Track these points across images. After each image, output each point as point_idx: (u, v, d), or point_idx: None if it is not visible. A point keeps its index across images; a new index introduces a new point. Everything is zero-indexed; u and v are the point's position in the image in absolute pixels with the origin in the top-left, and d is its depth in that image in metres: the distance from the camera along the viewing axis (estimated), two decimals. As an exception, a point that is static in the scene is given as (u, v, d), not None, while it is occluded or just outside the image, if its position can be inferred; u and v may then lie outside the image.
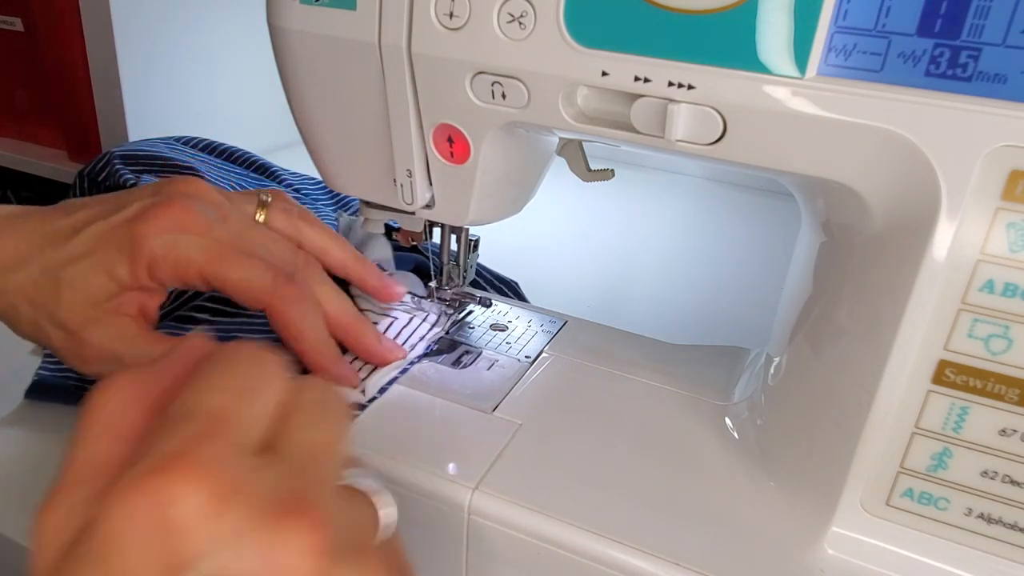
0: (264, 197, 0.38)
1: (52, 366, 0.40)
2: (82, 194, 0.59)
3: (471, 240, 0.42)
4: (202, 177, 0.56)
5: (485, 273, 0.50)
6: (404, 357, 0.38)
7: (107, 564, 0.17)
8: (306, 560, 0.18)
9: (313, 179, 0.62)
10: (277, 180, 0.62)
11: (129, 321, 0.32)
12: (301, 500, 0.19)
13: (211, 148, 0.62)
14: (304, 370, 0.35)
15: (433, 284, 0.43)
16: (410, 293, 0.43)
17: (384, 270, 0.43)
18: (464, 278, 0.42)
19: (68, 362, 0.33)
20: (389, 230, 0.45)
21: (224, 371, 0.21)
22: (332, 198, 0.62)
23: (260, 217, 0.37)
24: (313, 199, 0.61)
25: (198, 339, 0.23)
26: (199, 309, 0.41)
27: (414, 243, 0.46)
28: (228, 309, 0.41)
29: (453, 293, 0.43)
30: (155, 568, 0.17)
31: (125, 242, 0.31)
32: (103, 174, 0.56)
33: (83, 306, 0.31)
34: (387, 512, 0.22)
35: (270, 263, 0.33)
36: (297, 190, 0.62)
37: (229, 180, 0.58)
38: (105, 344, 0.31)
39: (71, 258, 0.32)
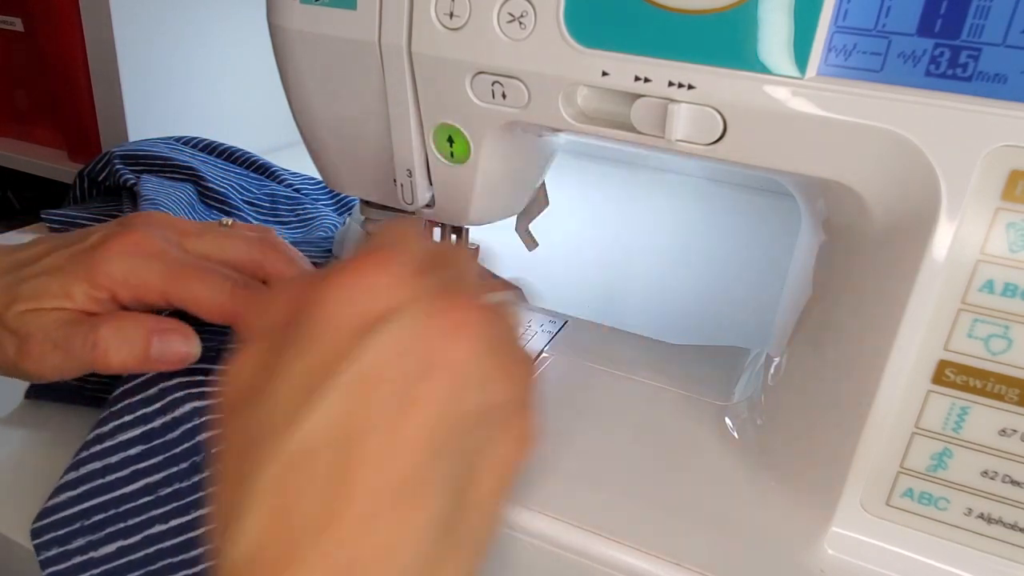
0: (225, 222, 0.38)
1: None
2: (82, 194, 0.59)
3: (470, 248, 0.42)
4: (202, 177, 0.56)
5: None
6: None
7: (317, 337, 0.21)
8: (470, 312, 0.23)
9: (313, 179, 0.62)
10: (277, 180, 0.62)
11: (69, 312, 0.32)
12: (456, 285, 0.24)
13: (211, 148, 0.62)
14: None
15: None
16: None
17: None
18: None
19: (20, 368, 0.32)
20: None
21: (383, 233, 0.26)
22: (332, 198, 0.62)
23: None
24: (313, 199, 0.61)
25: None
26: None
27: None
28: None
29: None
30: (353, 326, 0.21)
31: (84, 267, 0.32)
32: (103, 174, 0.56)
33: (32, 311, 0.32)
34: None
35: (227, 275, 0.33)
36: (297, 190, 0.62)
37: (229, 180, 0.58)
38: (43, 331, 0.31)
39: (29, 276, 0.32)
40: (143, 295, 0.33)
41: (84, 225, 0.54)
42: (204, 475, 0.32)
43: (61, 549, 0.31)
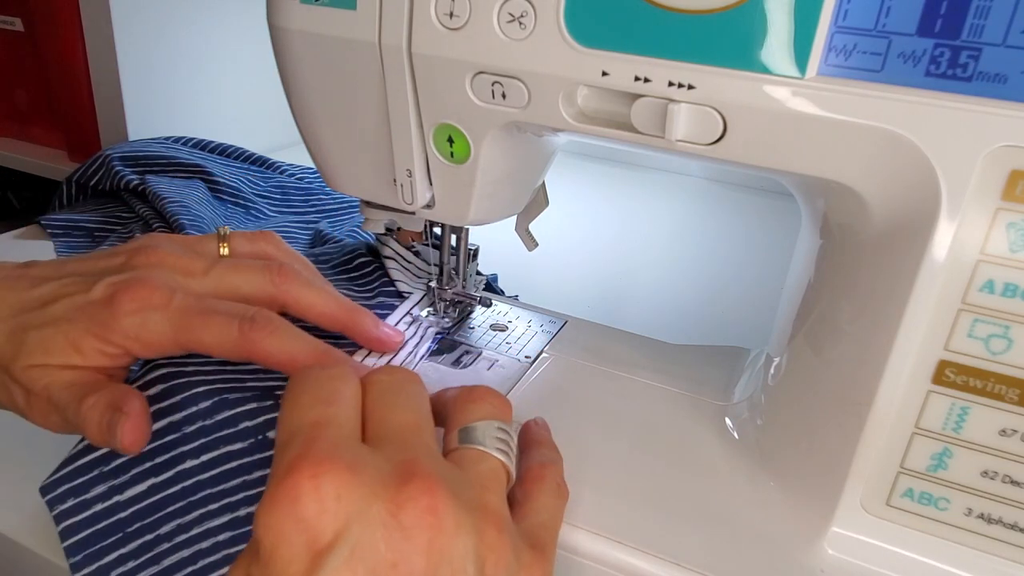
0: (222, 231, 0.38)
1: None
2: (70, 200, 0.59)
3: (470, 249, 0.42)
4: (211, 174, 0.56)
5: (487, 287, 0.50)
6: (403, 341, 0.38)
7: (270, 568, 0.20)
8: (426, 516, 0.21)
9: (313, 168, 0.63)
10: (279, 172, 0.62)
11: (74, 372, 0.32)
12: (412, 467, 0.22)
13: (203, 146, 0.62)
14: None
15: (434, 284, 0.43)
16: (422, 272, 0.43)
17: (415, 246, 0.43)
18: (463, 287, 0.42)
19: (28, 419, 0.33)
20: (387, 230, 0.45)
21: (304, 392, 0.25)
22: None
23: (224, 251, 0.37)
24: (318, 186, 0.62)
25: None
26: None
27: (413, 242, 0.46)
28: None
29: (453, 293, 0.43)
30: (304, 557, 0.20)
31: (95, 323, 0.32)
32: (96, 177, 0.56)
33: (39, 365, 0.32)
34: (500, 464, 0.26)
35: (231, 313, 0.33)
36: (300, 179, 0.62)
37: (236, 175, 0.59)
38: (47, 391, 0.31)
39: (37, 324, 0.32)
40: (155, 348, 0.33)
41: (85, 228, 0.54)
42: (228, 414, 0.32)
43: (78, 499, 0.31)
